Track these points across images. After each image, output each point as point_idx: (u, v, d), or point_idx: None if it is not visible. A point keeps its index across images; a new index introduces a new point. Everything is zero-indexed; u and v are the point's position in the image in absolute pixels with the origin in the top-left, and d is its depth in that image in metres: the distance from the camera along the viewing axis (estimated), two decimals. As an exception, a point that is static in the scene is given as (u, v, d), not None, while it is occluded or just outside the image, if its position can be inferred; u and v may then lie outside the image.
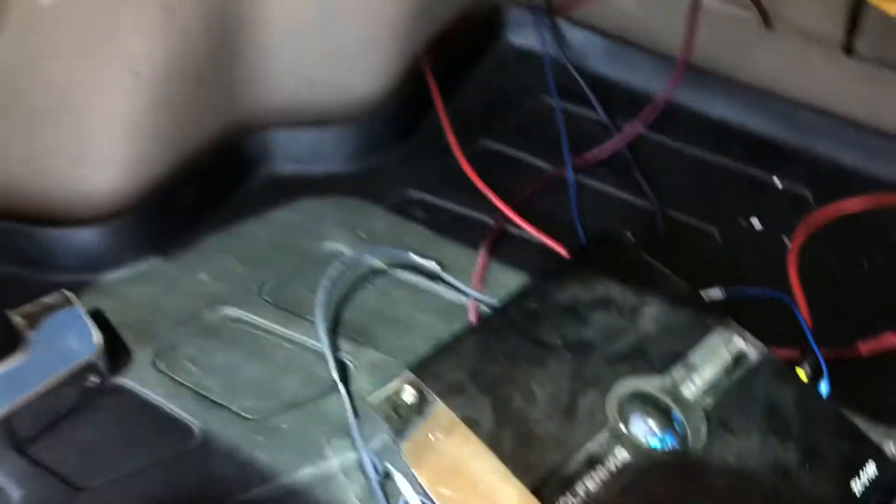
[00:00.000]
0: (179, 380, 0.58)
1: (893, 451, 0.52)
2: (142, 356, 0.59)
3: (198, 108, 0.68)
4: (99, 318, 0.59)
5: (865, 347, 0.63)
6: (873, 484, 0.49)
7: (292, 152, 0.73)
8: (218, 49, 0.67)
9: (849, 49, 0.89)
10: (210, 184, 0.69)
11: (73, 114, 0.62)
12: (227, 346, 0.60)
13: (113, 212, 0.64)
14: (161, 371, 0.58)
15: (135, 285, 0.63)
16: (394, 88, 0.76)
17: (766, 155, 0.78)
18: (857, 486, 0.49)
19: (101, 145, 0.64)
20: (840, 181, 0.76)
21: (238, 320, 0.62)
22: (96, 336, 0.56)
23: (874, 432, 0.57)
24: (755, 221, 0.73)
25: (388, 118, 0.75)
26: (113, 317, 0.60)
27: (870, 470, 0.50)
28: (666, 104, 0.79)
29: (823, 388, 0.55)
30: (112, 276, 0.63)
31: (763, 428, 0.51)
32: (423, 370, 0.52)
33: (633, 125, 0.78)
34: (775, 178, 0.76)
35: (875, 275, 0.70)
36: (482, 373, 0.52)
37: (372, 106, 0.75)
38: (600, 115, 0.80)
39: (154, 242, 0.65)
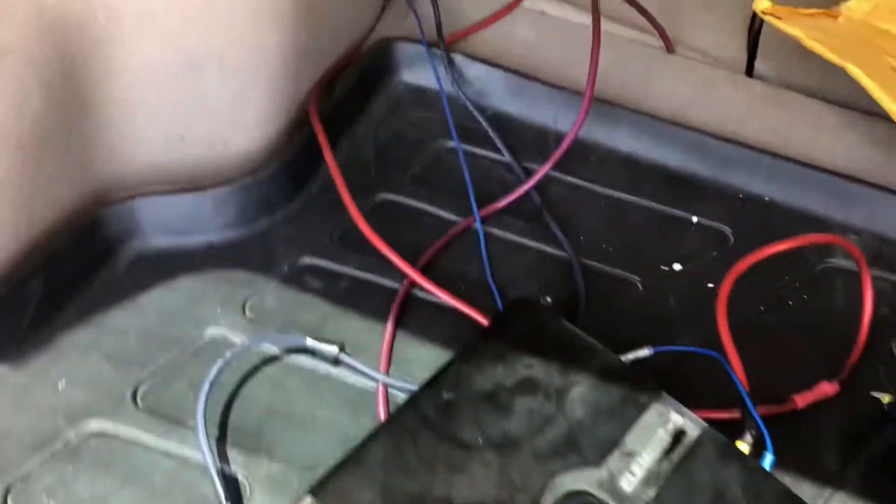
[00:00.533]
0: (34, 521, 0.49)
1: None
2: (-14, 495, 0.49)
3: (44, 182, 0.58)
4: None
5: (801, 400, 0.60)
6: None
7: (164, 222, 0.64)
8: (63, 109, 0.58)
9: (750, 72, 0.87)
10: (66, 269, 0.59)
11: None
12: (95, 471, 0.51)
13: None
14: (12, 511, 0.49)
15: (-26, 405, 0.53)
16: (277, 141, 0.69)
17: (680, 190, 0.74)
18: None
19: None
20: (757, 213, 0.73)
21: (106, 436, 0.53)
22: (-78, 482, 0.45)
23: (813, 496, 0.54)
24: (676, 266, 0.68)
25: (273, 175, 0.67)
26: (-54, 449, 0.50)
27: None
28: (573, 141, 0.74)
29: (768, 461, 0.51)
30: (-54, 395, 0.53)
31: (711, 521, 0.46)
32: (326, 492, 0.44)
33: (542, 166, 0.73)
34: (693, 218, 0.72)
35: (802, 314, 0.67)
36: (394, 489, 0.45)
37: (253, 162, 0.67)
38: (506, 156, 0.74)
39: (2, 347, 0.55)
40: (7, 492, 0.50)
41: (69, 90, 0.58)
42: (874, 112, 0.77)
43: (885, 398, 0.60)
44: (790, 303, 0.67)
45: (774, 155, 0.75)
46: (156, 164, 0.65)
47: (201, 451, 0.50)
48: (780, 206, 0.74)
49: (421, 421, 0.48)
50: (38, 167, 0.57)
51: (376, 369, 0.57)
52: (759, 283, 0.67)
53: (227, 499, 0.49)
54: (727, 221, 0.72)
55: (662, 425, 0.50)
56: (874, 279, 0.68)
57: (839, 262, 0.69)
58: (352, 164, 0.71)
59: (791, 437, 0.57)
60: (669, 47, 0.87)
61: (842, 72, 0.71)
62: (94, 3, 0.56)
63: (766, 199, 0.74)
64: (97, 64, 0.59)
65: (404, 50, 0.79)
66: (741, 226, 0.71)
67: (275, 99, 0.67)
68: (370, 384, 0.57)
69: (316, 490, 0.44)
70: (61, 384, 0.55)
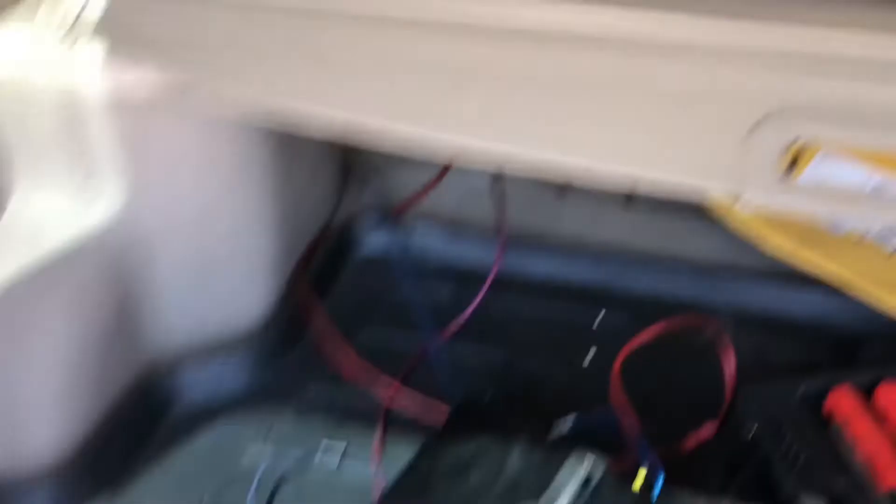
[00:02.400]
0: None
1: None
2: None
3: (111, 368, 0.79)
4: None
5: (689, 442, 0.80)
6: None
7: (200, 384, 0.85)
8: (120, 317, 0.80)
9: (629, 199, 1.11)
10: (136, 426, 0.80)
11: (8, 395, 0.73)
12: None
13: (56, 469, 0.73)
14: None
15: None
16: (275, 311, 0.91)
17: (588, 299, 0.96)
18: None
19: (34, 416, 0.74)
20: (647, 309, 0.94)
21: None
22: None
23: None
24: (590, 356, 0.90)
25: (277, 337, 0.89)
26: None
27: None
28: (499, 273, 0.96)
29: (656, 489, 0.70)
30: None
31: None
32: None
33: (477, 295, 0.95)
34: (599, 317, 0.94)
35: (686, 378, 0.87)
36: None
37: (261, 329, 0.89)
38: (450, 289, 0.97)
39: (97, 488, 0.75)
40: None
41: (124, 304, 0.80)
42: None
43: (752, 433, 0.79)
44: (675, 373, 0.88)
45: (654, 260, 0.97)
46: (187, 344, 0.86)
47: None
48: (663, 300, 0.95)
49: (404, 492, 0.68)
50: (108, 360, 0.79)
51: (370, 462, 0.77)
52: (649, 359, 0.88)
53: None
54: (626, 317, 0.93)
55: (575, 473, 0.70)
56: (739, 342, 0.90)
57: (709, 336, 0.90)
58: (334, 317, 0.93)
59: (682, 470, 0.77)
60: (562, 190, 1.11)
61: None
62: (135, 238, 0.79)
63: (653, 295, 0.96)
64: (140, 281, 0.80)
65: (363, 227, 1.03)
66: (636, 319, 0.92)
67: (269, 282, 0.90)
68: (368, 479, 0.77)
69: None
70: (145, 511, 0.74)
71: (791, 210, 0.55)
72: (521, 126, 0.53)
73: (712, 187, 0.50)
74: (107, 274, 0.77)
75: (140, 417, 0.81)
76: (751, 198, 0.51)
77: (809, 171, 0.97)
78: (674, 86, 0.50)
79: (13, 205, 0.76)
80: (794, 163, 0.98)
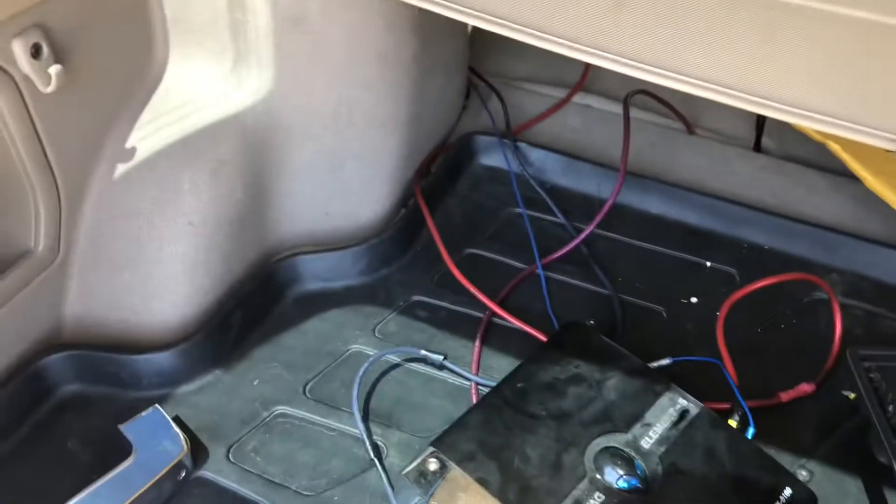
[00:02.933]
0: (248, 469, 0.73)
1: (804, 475, 0.69)
2: (216, 452, 0.74)
3: (239, 246, 0.85)
4: (180, 424, 0.74)
5: (785, 396, 0.80)
6: (789, 502, 0.65)
7: (316, 272, 0.90)
8: (253, 198, 0.84)
9: (758, 147, 1.09)
10: (254, 305, 0.85)
11: (145, 260, 0.79)
12: (283, 438, 0.76)
13: (181, 336, 0.79)
14: (233, 462, 0.74)
15: (204, 394, 0.79)
16: (392, 212, 0.94)
17: (698, 242, 0.96)
18: (778, 504, 0.65)
19: (168, 283, 0.80)
20: (758, 259, 0.94)
21: (288, 416, 0.78)
22: (183, 439, 0.71)
23: (790, 463, 0.74)
24: (693, 299, 0.90)
25: (390, 237, 0.92)
26: (190, 422, 0.76)
27: (786, 493, 0.66)
28: (612, 206, 0.97)
29: (750, 432, 0.71)
30: (185, 388, 0.79)
31: (704, 467, 0.67)
32: (442, 444, 0.67)
33: (588, 225, 0.96)
34: (707, 263, 0.94)
35: (791, 333, 0.87)
36: (487, 442, 0.67)
37: (377, 228, 0.93)
38: (560, 218, 0.98)
39: (215, 358, 0.81)
40: (228, 450, 0.75)
41: (257, 185, 0.84)
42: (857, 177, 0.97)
43: (852, 395, 0.79)
44: (782, 325, 0.88)
45: (772, 213, 0.96)
46: (309, 232, 0.91)
47: (356, 425, 0.75)
48: (776, 252, 0.95)
49: (504, 401, 0.71)
50: (238, 237, 0.84)
51: (469, 372, 0.81)
52: (758, 311, 0.88)
53: (374, 455, 0.73)
54: (734, 265, 0.93)
55: (672, 406, 0.71)
56: (851, 307, 0.89)
57: (821, 294, 0.89)
58: (445, 228, 0.96)
59: (777, 423, 0.78)
60: (690, 129, 1.10)
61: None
62: (275, 124, 0.83)
63: (766, 247, 0.95)
64: (273, 166, 0.85)
65: (481, 141, 1.05)
66: (745, 269, 0.92)
67: (391, 183, 0.93)
68: (466, 383, 0.81)
69: (435, 443, 0.67)
70: (256, 382, 0.80)
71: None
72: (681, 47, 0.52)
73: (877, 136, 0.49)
74: (246, 154, 0.81)
75: (260, 297, 0.86)
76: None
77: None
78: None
79: (168, 79, 0.80)
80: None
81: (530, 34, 0.57)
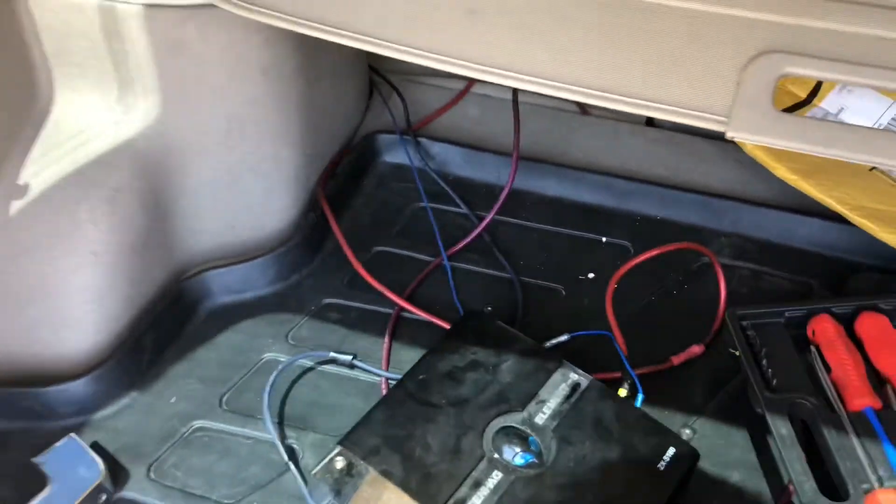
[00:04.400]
0: (169, 484, 0.76)
1: (688, 433, 0.74)
2: (137, 472, 0.77)
3: (146, 269, 0.87)
4: (99, 449, 0.77)
5: (677, 359, 0.85)
6: (673, 461, 0.70)
7: (226, 286, 0.92)
8: (154, 221, 0.86)
9: (650, 121, 1.14)
10: (166, 325, 0.88)
11: (51, 293, 0.81)
12: (202, 452, 0.79)
13: (94, 364, 0.82)
14: (154, 480, 0.76)
15: (121, 418, 0.81)
16: (299, 220, 0.97)
17: (595, 219, 1.00)
18: (662, 464, 0.70)
19: (76, 314, 0.82)
20: (651, 230, 0.99)
21: (206, 429, 0.81)
22: (100, 464, 0.73)
23: (682, 422, 0.79)
24: (591, 275, 0.94)
25: (298, 244, 0.95)
26: (110, 446, 0.78)
27: (669, 452, 0.71)
28: (511, 192, 1.01)
29: (639, 399, 0.76)
30: (102, 413, 0.81)
31: (593, 437, 0.71)
32: (348, 441, 0.71)
33: (489, 213, 0.99)
34: (603, 238, 0.98)
35: (682, 299, 0.92)
36: (391, 436, 0.71)
37: (284, 236, 0.95)
38: (463, 209, 1.02)
39: (130, 381, 0.83)
40: (148, 469, 0.77)
41: (158, 208, 0.86)
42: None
43: (738, 353, 0.84)
44: (674, 292, 0.93)
45: (662, 184, 1.01)
46: (217, 246, 0.93)
47: (269, 433, 0.78)
48: (668, 222, 1.00)
49: (405, 394, 0.75)
50: (143, 261, 0.86)
51: (380, 368, 0.84)
52: (650, 281, 0.93)
53: (289, 459, 0.76)
54: (628, 238, 0.98)
55: (564, 381, 0.76)
56: (739, 268, 0.94)
57: (709, 260, 0.94)
58: (353, 228, 0.99)
59: (669, 386, 0.83)
60: (583, 111, 1.14)
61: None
62: (168, 147, 0.85)
63: (658, 218, 1.00)
64: (172, 187, 0.87)
65: (384, 140, 1.08)
66: (638, 241, 0.97)
67: (293, 191, 0.95)
68: (376, 379, 0.84)
69: (342, 442, 0.71)
70: (173, 400, 0.83)
71: (776, 145, 0.57)
72: (526, 49, 0.56)
73: (704, 119, 0.53)
74: (142, 178, 0.83)
75: (171, 317, 0.88)
76: (737, 132, 0.54)
77: (830, 100, 0.99)
78: (674, 23, 0.52)
79: (55, 113, 0.81)
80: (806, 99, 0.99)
81: (392, 48, 0.60)
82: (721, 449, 0.78)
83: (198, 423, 0.81)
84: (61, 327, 0.82)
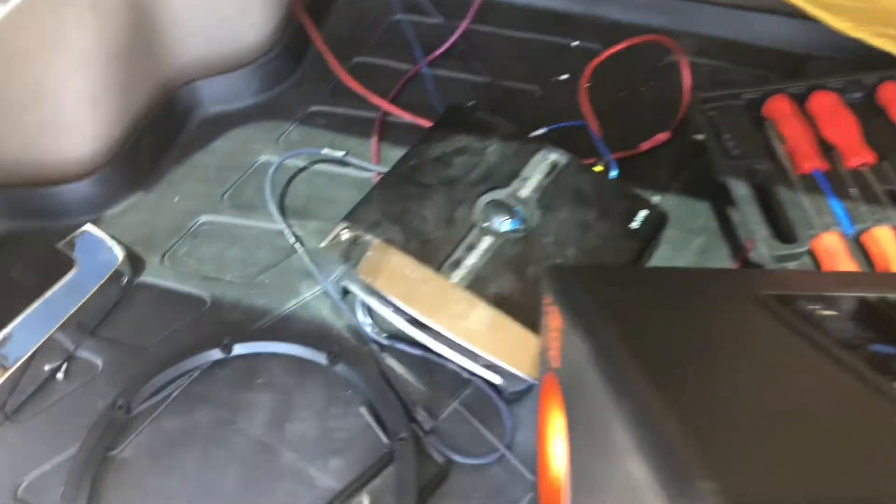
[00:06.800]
0: (184, 270, 0.82)
1: (657, 199, 0.82)
2: (151, 260, 0.83)
3: (135, 78, 0.89)
4: (114, 240, 0.82)
5: (645, 145, 0.92)
6: (644, 221, 0.78)
7: (214, 96, 0.95)
8: (138, 29, 0.88)
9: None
10: (162, 130, 0.91)
11: (48, 99, 0.83)
12: (210, 241, 0.85)
13: (97, 166, 0.85)
14: (168, 267, 0.82)
15: (130, 214, 0.86)
16: (279, 31, 0.99)
17: (563, 24, 1.04)
18: (635, 224, 0.78)
19: (74, 119, 0.85)
20: (618, 33, 1.03)
21: (212, 223, 0.86)
22: (118, 250, 0.79)
23: (649, 196, 0.87)
24: (564, 76, 1.00)
25: (279, 54, 0.98)
26: (122, 238, 0.83)
27: (641, 214, 0.79)
28: (484, 1, 1.03)
29: (613, 173, 0.83)
30: (111, 211, 0.86)
31: (572, 203, 0.79)
32: (351, 217, 0.77)
33: (464, 21, 1.03)
34: (573, 42, 1.03)
35: (649, 94, 0.98)
36: (389, 211, 0.77)
37: (266, 48, 0.97)
38: (438, 18, 1.04)
39: (133, 181, 0.88)
40: (162, 257, 0.83)
41: (139, 17, 0.87)
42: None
43: (701, 137, 0.91)
44: (641, 89, 0.99)
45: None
46: (201, 59, 0.95)
47: (274, 220, 0.83)
48: (634, 25, 1.04)
49: (398, 178, 0.80)
50: (132, 68, 0.88)
51: (371, 164, 0.90)
52: (619, 78, 0.98)
53: (296, 241, 0.82)
54: (597, 41, 1.02)
55: (545, 160, 0.82)
56: (701, 65, 1.00)
57: (673, 58, 1.00)
58: (332, 41, 1.01)
59: (637, 168, 0.90)
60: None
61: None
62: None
63: (623, 21, 1.04)
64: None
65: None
66: (607, 43, 1.02)
67: (271, 5, 0.97)
68: (368, 174, 0.90)
69: (345, 219, 0.77)
70: (176, 199, 0.88)
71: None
72: None
73: None
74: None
75: (165, 123, 0.92)
76: None
77: None
78: None
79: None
80: None
81: None
82: (687, 218, 0.86)
83: (203, 218, 0.86)
84: (61, 132, 0.84)
